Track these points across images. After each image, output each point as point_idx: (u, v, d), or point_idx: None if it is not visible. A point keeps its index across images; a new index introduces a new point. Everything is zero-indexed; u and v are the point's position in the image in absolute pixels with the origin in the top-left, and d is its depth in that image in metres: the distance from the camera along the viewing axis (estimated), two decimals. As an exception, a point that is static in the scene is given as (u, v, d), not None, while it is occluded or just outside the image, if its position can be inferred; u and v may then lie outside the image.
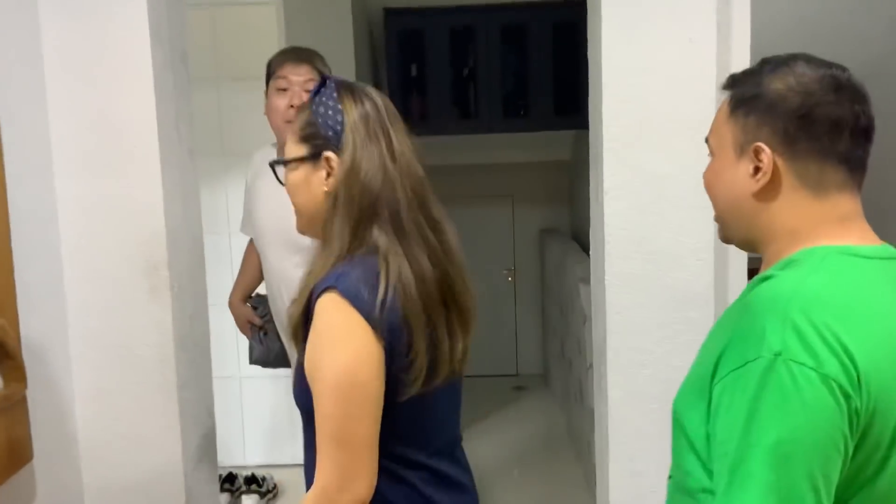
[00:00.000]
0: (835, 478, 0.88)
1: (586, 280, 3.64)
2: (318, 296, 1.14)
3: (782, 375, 0.87)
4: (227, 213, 3.48)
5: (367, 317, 1.10)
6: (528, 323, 5.57)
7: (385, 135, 1.19)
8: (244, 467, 3.46)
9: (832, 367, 0.87)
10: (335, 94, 1.22)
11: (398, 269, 1.14)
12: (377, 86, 4.39)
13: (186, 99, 2.03)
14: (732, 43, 1.84)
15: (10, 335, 1.52)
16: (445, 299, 1.21)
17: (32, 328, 1.73)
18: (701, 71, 1.80)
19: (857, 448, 0.89)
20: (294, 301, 1.21)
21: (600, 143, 1.86)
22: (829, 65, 1.00)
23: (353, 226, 1.18)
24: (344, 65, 3.56)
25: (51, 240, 1.83)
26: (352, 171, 1.18)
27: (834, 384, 0.87)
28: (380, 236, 1.17)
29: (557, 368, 4.70)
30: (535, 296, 5.54)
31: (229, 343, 3.27)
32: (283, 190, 2.15)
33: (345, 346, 1.11)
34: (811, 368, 0.87)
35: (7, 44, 1.70)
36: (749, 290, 1.01)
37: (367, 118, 1.20)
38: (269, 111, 2.17)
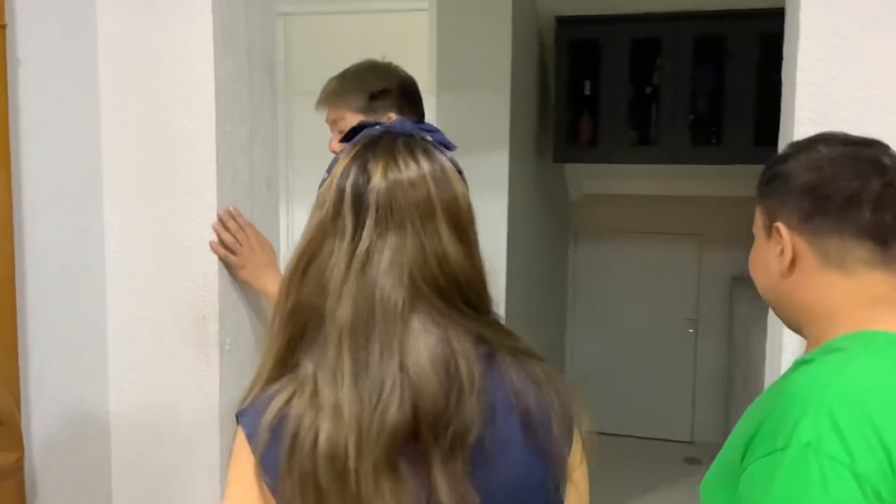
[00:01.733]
0: None
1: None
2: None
3: (811, 469, 0.83)
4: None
5: (264, 469, 0.84)
6: (709, 383, 4.91)
7: (356, 226, 0.85)
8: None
9: (867, 466, 0.83)
10: (344, 152, 0.91)
11: (297, 420, 0.83)
12: (543, 105, 4.03)
13: (268, 117, 1.75)
14: None
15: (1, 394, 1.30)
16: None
17: (59, 380, 1.53)
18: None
19: None
20: None
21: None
22: (856, 142, 1.00)
23: (284, 342, 0.88)
24: (499, 80, 3.21)
25: (93, 276, 1.61)
26: (295, 264, 0.89)
27: (867, 485, 0.82)
28: (307, 365, 0.86)
29: (738, 447, 4.04)
30: (720, 353, 4.87)
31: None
32: None
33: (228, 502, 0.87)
34: (843, 465, 0.83)
35: (59, 37, 1.50)
36: (789, 373, 0.99)
37: (340, 195, 0.87)
38: None
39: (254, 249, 1.59)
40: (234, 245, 1.57)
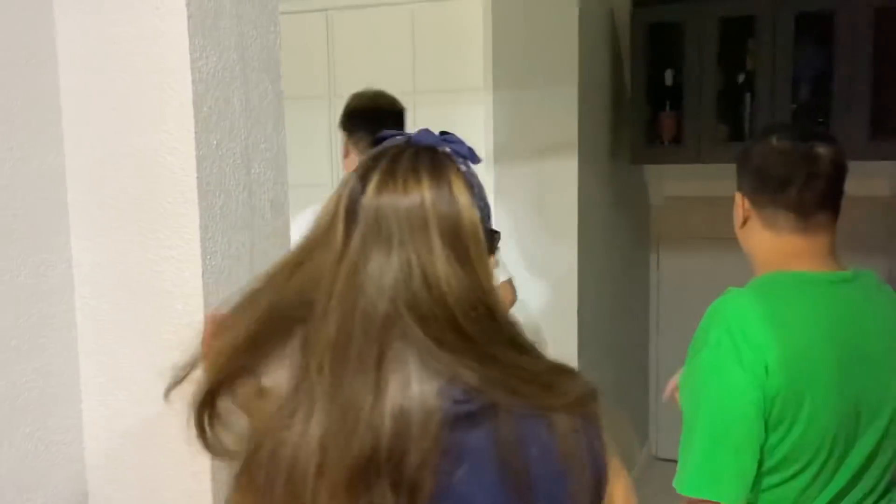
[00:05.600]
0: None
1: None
2: None
3: (714, 361, 1.42)
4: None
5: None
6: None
7: (346, 238, 0.88)
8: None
9: (748, 359, 1.39)
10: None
11: (264, 433, 0.90)
12: (618, 100, 3.65)
13: (270, 127, 1.47)
14: None
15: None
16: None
17: (15, 459, 1.27)
18: None
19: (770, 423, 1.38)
20: None
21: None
22: (801, 136, 1.52)
23: (246, 340, 0.97)
24: (564, 74, 2.89)
25: (57, 327, 1.36)
26: (282, 266, 0.99)
27: (749, 371, 1.37)
28: (283, 379, 0.94)
29: None
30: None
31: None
32: None
33: None
34: (734, 361, 1.39)
35: (14, 41, 1.24)
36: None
37: (336, 205, 0.92)
38: None
39: None
40: None
